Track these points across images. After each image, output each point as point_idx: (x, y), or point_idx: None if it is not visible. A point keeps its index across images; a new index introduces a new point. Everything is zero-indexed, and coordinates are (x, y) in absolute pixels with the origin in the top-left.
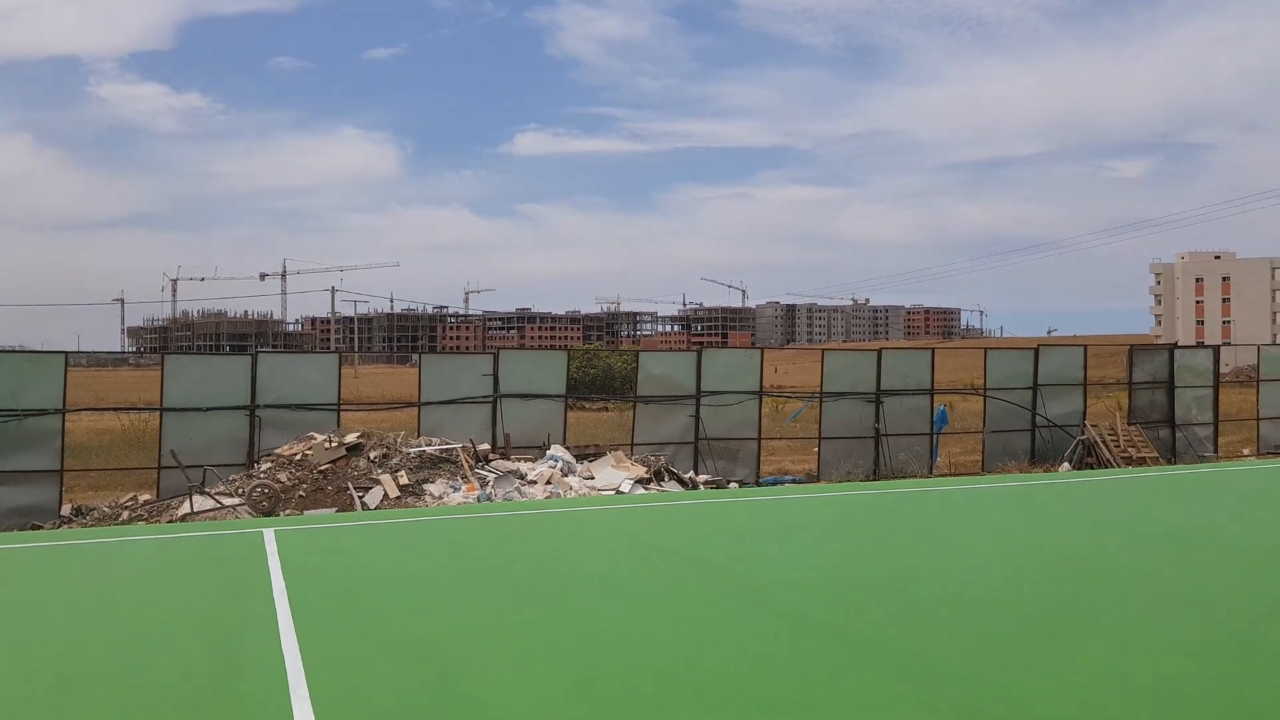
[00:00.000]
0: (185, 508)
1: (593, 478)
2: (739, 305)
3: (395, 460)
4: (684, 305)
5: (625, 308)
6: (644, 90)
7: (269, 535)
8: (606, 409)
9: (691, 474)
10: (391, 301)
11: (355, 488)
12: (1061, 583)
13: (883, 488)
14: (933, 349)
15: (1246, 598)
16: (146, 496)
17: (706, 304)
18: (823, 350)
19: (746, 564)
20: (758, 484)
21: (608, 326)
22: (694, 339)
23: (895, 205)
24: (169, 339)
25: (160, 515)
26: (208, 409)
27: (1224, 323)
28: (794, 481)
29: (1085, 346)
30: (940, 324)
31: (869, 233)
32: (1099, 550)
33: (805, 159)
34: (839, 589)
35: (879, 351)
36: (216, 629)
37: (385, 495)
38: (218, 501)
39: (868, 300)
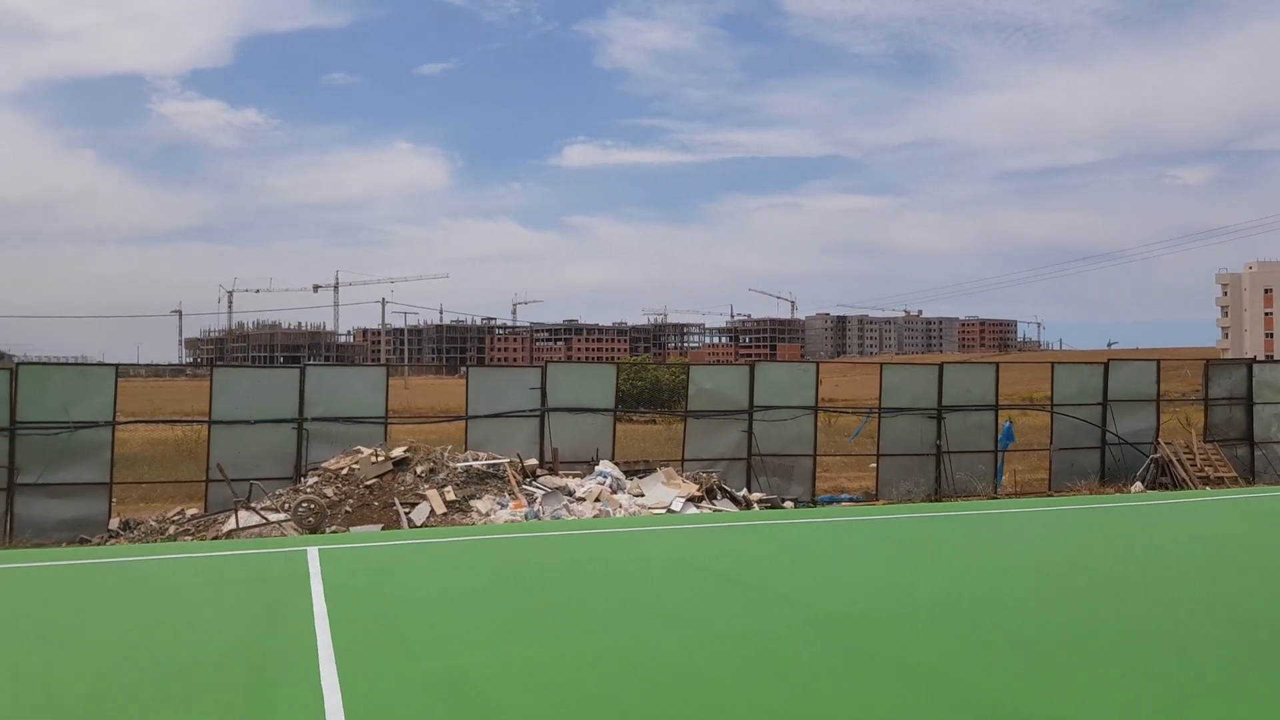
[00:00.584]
0: (231, 523)
1: (643, 495)
2: (788, 316)
3: (442, 475)
4: (732, 317)
5: (672, 319)
6: (692, 101)
7: (313, 555)
8: (654, 422)
9: (745, 492)
10: (441, 313)
11: (401, 503)
12: (1151, 616)
13: (948, 509)
14: (996, 363)
15: None
16: (194, 510)
17: (755, 315)
18: (880, 364)
19: (810, 592)
20: (813, 503)
21: (655, 338)
22: (742, 350)
23: (948, 215)
24: (224, 350)
25: (206, 530)
26: (256, 421)
27: None
28: (851, 500)
29: (1158, 361)
30: (996, 336)
31: (921, 243)
32: (1183, 580)
33: (855, 168)
34: (908, 621)
35: (940, 365)
36: (254, 656)
37: (432, 511)
38: (263, 517)
39: (920, 312)
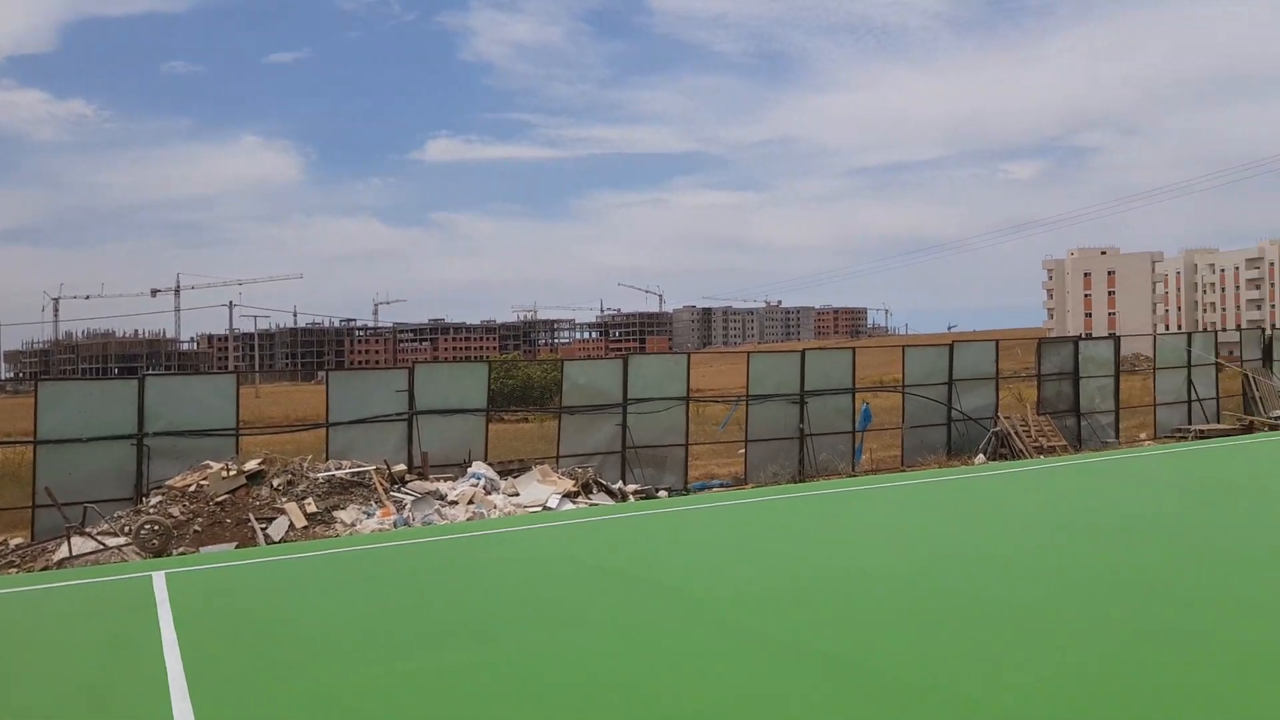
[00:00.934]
0: (63, 551)
1: (518, 494)
2: (656, 310)
3: (301, 487)
4: (602, 311)
5: (542, 315)
6: (559, 96)
7: (158, 579)
8: (527, 420)
9: (620, 484)
10: (295, 316)
11: (257, 519)
12: (1007, 581)
13: (812, 489)
14: (853, 348)
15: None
16: (19, 540)
17: (625, 310)
18: (747, 353)
19: (691, 578)
20: (686, 491)
21: (525, 335)
22: (612, 345)
23: (804, 209)
24: (51, 363)
25: (34, 560)
26: (89, 439)
27: (1110, 314)
28: (722, 486)
29: (997, 341)
30: (849, 323)
31: (780, 236)
32: (1049, 547)
33: (719, 164)
34: (787, 599)
35: (803, 352)
36: (97, 696)
37: (291, 526)
38: (100, 543)
39: (780, 302)
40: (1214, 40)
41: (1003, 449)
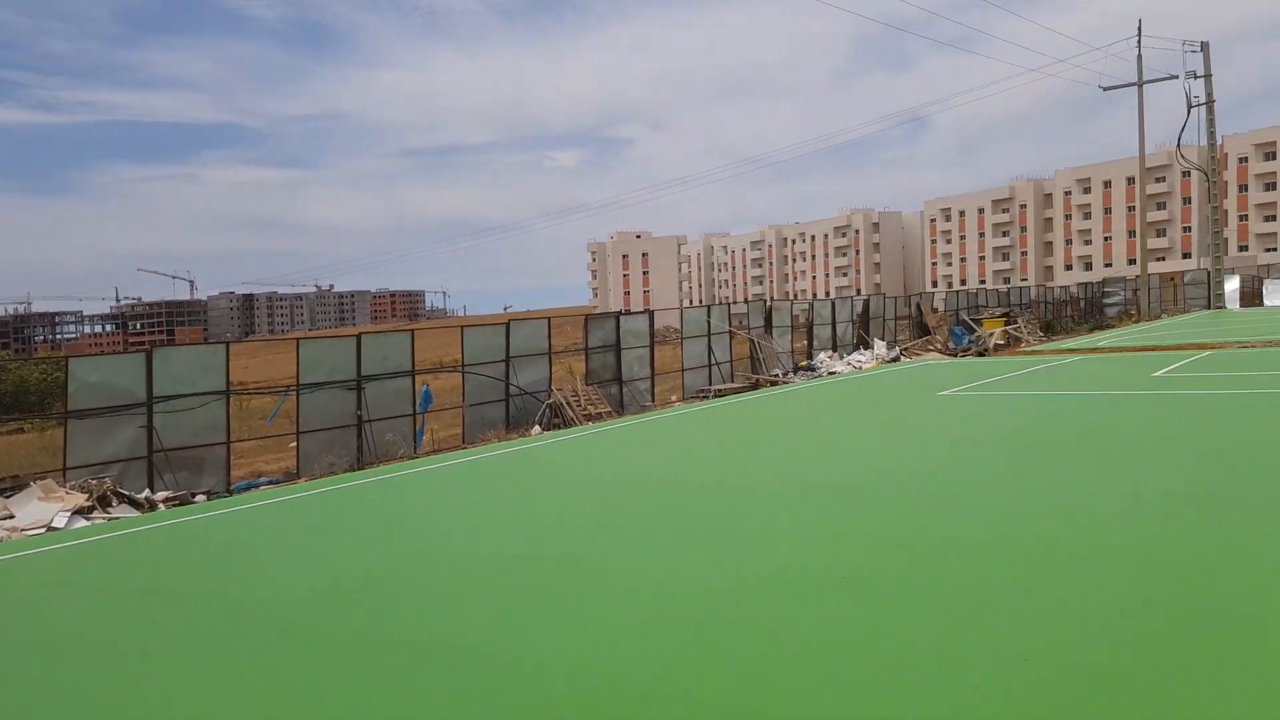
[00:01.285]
0: None
1: (12, 516)
2: (187, 298)
3: None
4: (118, 301)
5: (39, 308)
6: (54, 52)
7: None
8: (24, 430)
9: (147, 493)
10: None
11: None
12: (569, 540)
13: (372, 475)
14: (412, 330)
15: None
16: None
17: (146, 298)
18: (297, 340)
19: (233, 585)
20: (229, 492)
21: (17, 331)
22: (133, 338)
23: (355, 189)
24: None
25: None
26: None
27: (644, 291)
28: (271, 483)
29: (549, 319)
30: (406, 307)
31: (330, 217)
32: (594, 505)
33: (256, 138)
34: (356, 593)
35: (358, 336)
36: None
37: None
38: None
39: (332, 286)
40: (728, 44)
41: (556, 419)
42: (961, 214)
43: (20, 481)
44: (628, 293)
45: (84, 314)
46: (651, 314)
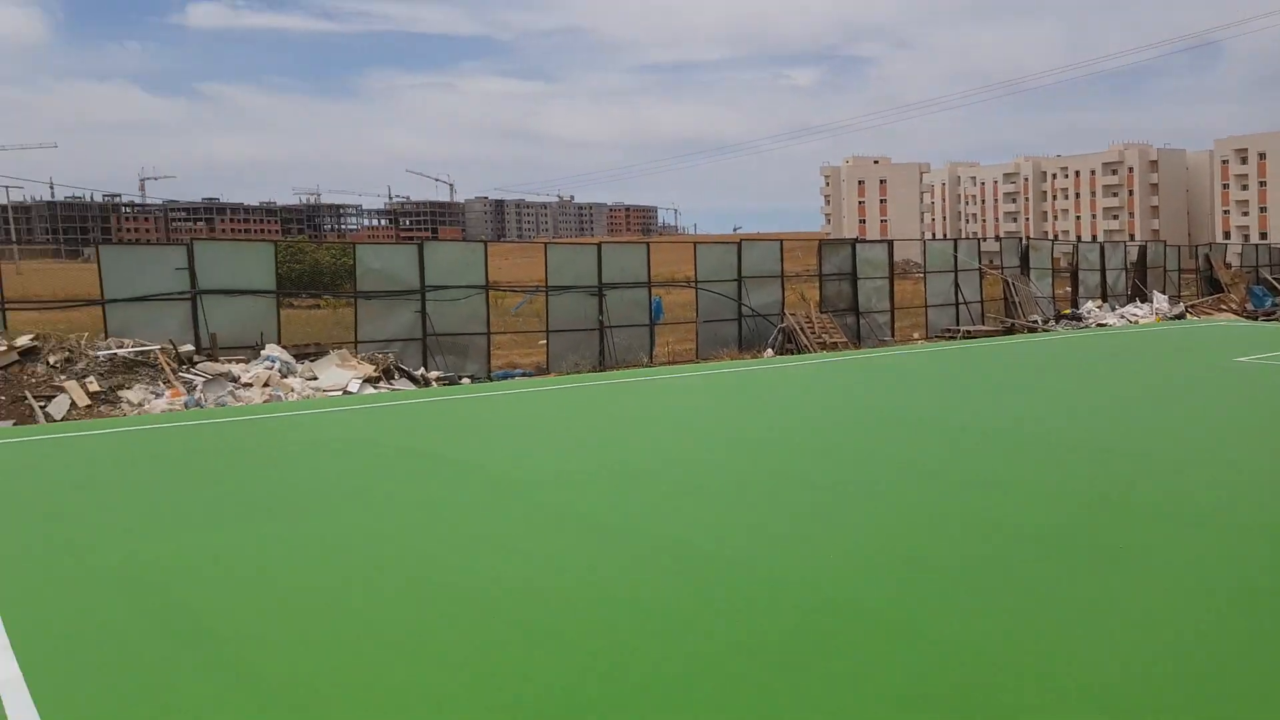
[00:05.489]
0: None
1: (316, 378)
2: (448, 200)
3: (81, 365)
4: (390, 198)
5: (326, 200)
6: None
7: None
8: (320, 306)
9: (422, 371)
10: (52, 188)
11: (35, 397)
12: (803, 462)
13: (612, 377)
14: (648, 243)
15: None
16: None
17: (414, 198)
18: (545, 245)
19: (492, 459)
20: (489, 378)
21: (309, 219)
22: (403, 233)
23: (596, 103)
24: None
25: None
26: None
27: (882, 221)
28: (524, 375)
29: (781, 241)
30: (640, 221)
31: (572, 130)
32: (821, 429)
33: (507, 51)
34: (591, 479)
35: (599, 245)
36: None
37: (73, 404)
38: None
39: (573, 197)
40: None
41: (789, 344)
42: (1262, 156)
43: (321, 349)
44: (863, 221)
45: (363, 208)
46: (891, 244)
